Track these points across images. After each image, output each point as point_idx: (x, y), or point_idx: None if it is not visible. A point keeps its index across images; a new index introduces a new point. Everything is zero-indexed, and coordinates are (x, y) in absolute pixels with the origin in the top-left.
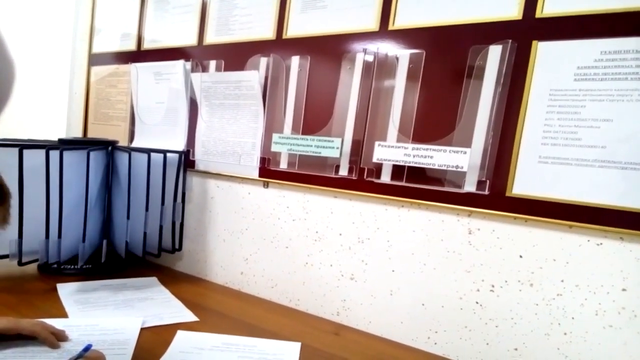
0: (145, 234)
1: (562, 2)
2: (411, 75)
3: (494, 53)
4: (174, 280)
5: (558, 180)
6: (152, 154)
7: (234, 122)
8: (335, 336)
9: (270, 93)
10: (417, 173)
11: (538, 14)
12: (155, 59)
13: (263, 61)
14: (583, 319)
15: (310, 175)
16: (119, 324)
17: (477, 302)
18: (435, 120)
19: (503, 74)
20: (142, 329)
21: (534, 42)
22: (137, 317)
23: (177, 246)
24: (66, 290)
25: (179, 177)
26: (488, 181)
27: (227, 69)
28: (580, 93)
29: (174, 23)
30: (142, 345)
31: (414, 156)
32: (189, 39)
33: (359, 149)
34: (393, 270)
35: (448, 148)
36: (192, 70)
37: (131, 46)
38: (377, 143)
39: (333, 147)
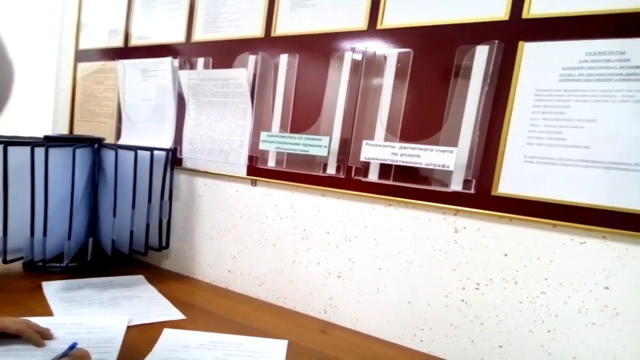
0: (132, 231)
1: (548, 4)
2: (399, 74)
3: (481, 53)
4: (161, 278)
5: (543, 179)
6: (139, 152)
7: (222, 119)
8: (322, 334)
9: (259, 91)
10: (404, 172)
11: (524, 15)
12: (143, 55)
13: (251, 59)
14: (566, 316)
15: (298, 173)
16: (104, 322)
17: (462, 300)
18: (423, 119)
19: (489, 74)
20: (128, 327)
21: (520, 43)
22: (123, 315)
23: (164, 244)
24: (51, 289)
25: (166, 175)
26: (474, 180)
27: (215, 66)
28: (565, 93)
29: (161, 20)
30: (128, 343)
31: (401, 155)
32: (176, 36)
33: (346, 147)
34: (380, 269)
35: (435, 147)
36: (180, 68)
37: (118, 43)
38: (364, 142)
39: (321, 146)
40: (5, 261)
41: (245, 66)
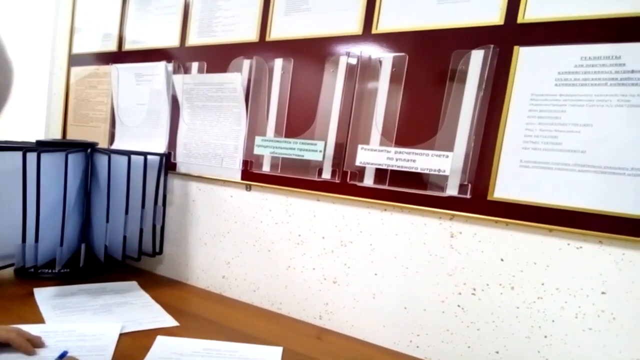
0: (125, 237)
1: (543, 8)
2: (394, 79)
3: (476, 58)
4: (154, 284)
5: (539, 184)
6: (133, 156)
7: (216, 124)
8: (317, 340)
9: (253, 95)
10: (400, 176)
11: (520, 20)
12: (137, 60)
13: (246, 63)
14: (563, 322)
15: (293, 178)
16: (97, 330)
17: (458, 306)
18: (418, 123)
19: (485, 78)
20: (121, 335)
21: (516, 47)
22: (116, 322)
23: (157, 250)
24: (43, 295)
25: (160, 180)
26: (470, 185)
27: (209, 70)
28: (561, 98)
29: (155, 24)
30: (120, 351)
31: (396, 160)
32: (171, 40)
33: (342, 152)
34: (375, 274)
35: (430, 152)
36: (174, 72)
37: (112, 47)
38: (360, 146)
39: (316, 150)
40: None
41: (239, 71)
